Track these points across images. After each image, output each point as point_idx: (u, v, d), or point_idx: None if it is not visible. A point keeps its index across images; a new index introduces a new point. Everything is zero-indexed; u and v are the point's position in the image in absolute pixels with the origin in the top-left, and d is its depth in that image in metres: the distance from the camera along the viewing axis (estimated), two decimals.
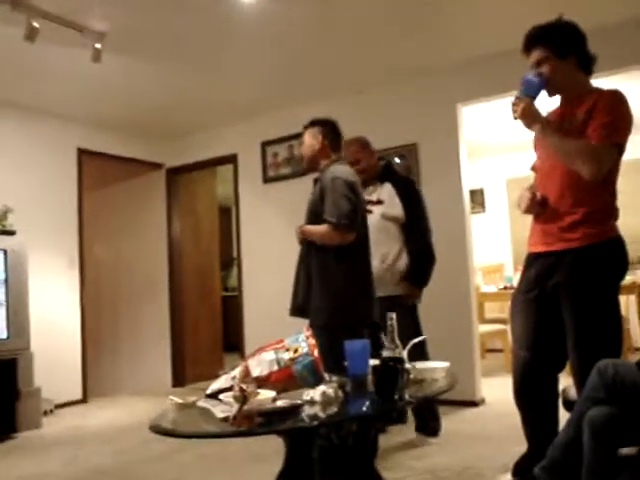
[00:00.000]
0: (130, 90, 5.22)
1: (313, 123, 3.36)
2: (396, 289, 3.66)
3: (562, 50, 2.46)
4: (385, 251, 3.65)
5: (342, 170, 3.16)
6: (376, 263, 3.50)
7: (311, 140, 3.31)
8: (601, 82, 2.63)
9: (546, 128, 2.45)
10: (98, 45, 4.05)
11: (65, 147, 5.89)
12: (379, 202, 3.68)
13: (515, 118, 2.48)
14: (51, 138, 5.79)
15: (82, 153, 6.03)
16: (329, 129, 3.31)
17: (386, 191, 3.74)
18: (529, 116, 2.44)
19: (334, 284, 3.04)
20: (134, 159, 6.57)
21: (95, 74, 4.66)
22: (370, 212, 3.54)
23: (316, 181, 3.39)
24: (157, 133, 6.55)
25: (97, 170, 6.50)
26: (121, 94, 5.31)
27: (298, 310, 3.15)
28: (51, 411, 5.26)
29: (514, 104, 2.47)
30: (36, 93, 5.21)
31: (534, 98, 2.46)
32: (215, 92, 5.37)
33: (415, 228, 3.73)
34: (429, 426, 3.70)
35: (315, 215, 3.13)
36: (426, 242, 3.75)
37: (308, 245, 3.17)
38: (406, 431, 3.80)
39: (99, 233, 6.81)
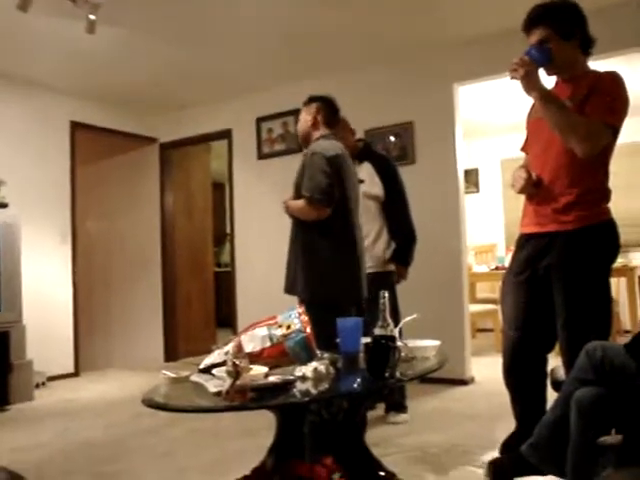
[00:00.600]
0: (124, 63, 5.17)
1: (310, 99, 3.35)
2: (377, 267, 3.70)
3: (565, 30, 2.44)
4: (366, 230, 3.66)
5: (324, 145, 3.12)
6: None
7: (305, 116, 3.31)
8: (598, 64, 2.62)
9: (547, 95, 2.41)
10: (92, 16, 3.99)
11: (58, 120, 5.85)
12: (359, 181, 3.68)
13: (513, 77, 2.41)
14: (44, 111, 5.74)
15: (75, 126, 5.99)
16: (324, 105, 3.30)
17: (366, 170, 3.76)
18: (531, 79, 2.38)
19: (317, 261, 3.04)
20: (128, 133, 6.53)
21: (89, 46, 4.61)
22: None
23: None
24: (151, 107, 6.49)
25: (90, 144, 6.45)
26: (115, 67, 5.26)
27: (289, 288, 3.17)
28: (43, 384, 5.29)
29: (516, 63, 2.37)
30: (29, 65, 5.16)
31: (537, 66, 2.41)
32: (210, 67, 5.32)
33: (395, 207, 3.78)
34: (401, 404, 3.77)
35: (298, 190, 3.14)
36: (407, 221, 3.80)
37: (295, 221, 3.19)
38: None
39: (92, 207, 6.78)
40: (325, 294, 3.00)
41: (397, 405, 3.76)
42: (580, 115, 2.36)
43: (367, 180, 3.72)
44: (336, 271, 3.05)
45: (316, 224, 3.05)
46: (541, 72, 2.48)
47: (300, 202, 3.07)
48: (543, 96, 2.39)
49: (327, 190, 2.99)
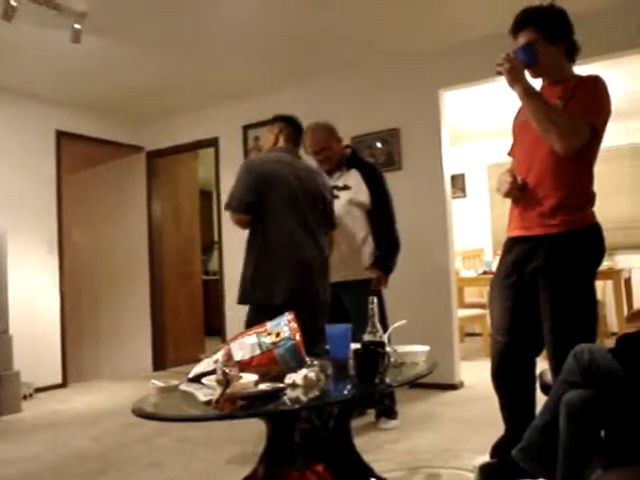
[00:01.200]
0: (110, 72, 5.15)
1: (274, 119, 3.42)
2: (363, 274, 3.71)
3: (552, 35, 2.48)
4: (352, 236, 3.71)
5: (258, 157, 3.24)
6: (343, 248, 3.65)
7: (269, 135, 3.40)
8: (587, 68, 2.65)
9: (530, 91, 2.43)
10: (77, 25, 3.99)
11: (44, 130, 5.82)
12: (345, 188, 3.71)
13: (498, 72, 2.44)
14: (29, 120, 5.71)
15: (61, 135, 5.96)
16: (287, 125, 3.36)
17: (353, 177, 3.77)
18: (515, 73, 2.41)
19: (245, 266, 3.23)
20: (114, 142, 6.51)
21: (74, 55, 4.60)
22: (336, 197, 3.60)
23: None
24: (137, 116, 6.48)
25: (76, 153, 6.43)
26: (101, 76, 5.24)
27: None
28: (31, 395, 5.24)
29: (503, 59, 2.42)
30: (14, 74, 5.13)
31: (523, 66, 2.44)
32: (196, 75, 5.32)
33: (381, 215, 3.77)
34: (391, 409, 3.77)
35: None
36: (392, 229, 3.79)
37: None
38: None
39: (79, 217, 6.75)
40: (245, 299, 3.16)
41: (387, 411, 3.76)
42: (561, 112, 2.39)
43: (354, 187, 3.73)
44: (259, 277, 3.14)
45: (250, 229, 3.22)
46: (526, 74, 2.51)
47: None
48: (526, 90, 2.43)
49: (236, 198, 3.13)
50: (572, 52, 2.55)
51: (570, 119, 2.36)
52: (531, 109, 2.43)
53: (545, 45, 2.48)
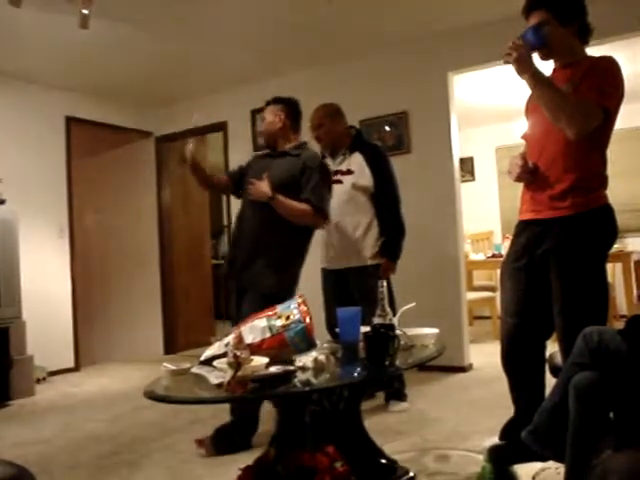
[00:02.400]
0: (119, 57, 5.15)
1: (276, 101, 3.39)
2: (368, 260, 3.68)
3: (564, 16, 2.45)
4: (356, 221, 3.68)
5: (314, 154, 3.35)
6: (348, 234, 3.65)
7: (272, 117, 3.34)
8: (595, 50, 2.63)
9: (539, 77, 2.41)
10: (86, 11, 3.98)
11: (53, 115, 5.84)
12: (349, 172, 3.67)
13: (506, 62, 2.41)
14: (39, 106, 5.72)
15: (70, 121, 5.97)
16: (292, 109, 3.35)
17: (356, 161, 3.73)
18: (524, 62, 2.37)
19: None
20: (123, 127, 6.52)
21: (83, 41, 4.59)
22: (340, 182, 3.59)
23: (273, 156, 3.36)
24: (146, 101, 6.48)
25: (86, 138, 6.44)
26: (110, 61, 5.24)
27: None
28: (44, 379, 5.31)
29: (510, 47, 2.38)
30: (22, 61, 5.13)
31: (532, 48, 2.41)
32: (204, 59, 5.31)
33: (384, 198, 3.71)
34: (400, 392, 3.79)
35: (285, 187, 3.15)
36: (396, 213, 3.72)
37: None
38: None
39: (89, 202, 6.77)
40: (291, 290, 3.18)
41: (397, 393, 3.78)
42: (571, 95, 2.37)
43: (357, 171, 3.69)
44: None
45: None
46: (536, 58, 2.49)
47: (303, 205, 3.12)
48: (535, 77, 2.40)
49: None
50: (585, 34, 2.52)
51: (581, 102, 2.33)
52: (541, 97, 2.40)
53: (556, 27, 2.45)
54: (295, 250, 3.22)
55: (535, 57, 2.47)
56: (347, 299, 3.53)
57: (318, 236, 3.63)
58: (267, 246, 3.14)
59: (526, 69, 2.39)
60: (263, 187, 3.09)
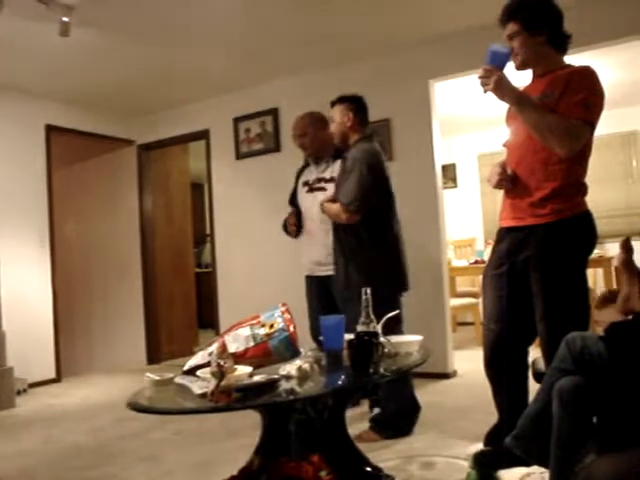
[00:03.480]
0: (99, 65, 5.12)
1: (342, 100, 3.47)
2: None
3: (533, 26, 2.48)
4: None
5: (366, 148, 3.37)
6: (331, 241, 3.58)
7: (341, 117, 3.42)
8: (574, 59, 2.66)
9: (521, 100, 2.44)
10: (66, 18, 3.96)
11: (33, 124, 5.78)
12: (332, 180, 3.66)
13: (486, 91, 2.44)
14: (19, 115, 5.67)
15: (51, 130, 5.93)
16: (358, 106, 3.46)
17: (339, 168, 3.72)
18: (503, 87, 2.40)
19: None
20: (104, 136, 6.48)
21: (63, 49, 4.57)
22: (324, 190, 3.60)
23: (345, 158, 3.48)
24: (128, 109, 6.45)
25: (67, 147, 6.40)
26: (90, 69, 5.21)
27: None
28: (24, 390, 5.24)
29: (483, 77, 2.42)
30: (2, 69, 5.08)
31: (501, 69, 2.42)
32: (186, 67, 5.30)
33: None
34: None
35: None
36: None
37: None
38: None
39: (70, 211, 6.73)
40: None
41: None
42: (556, 115, 2.39)
43: None
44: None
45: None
46: (512, 67, 2.51)
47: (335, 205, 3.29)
48: (517, 102, 2.44)
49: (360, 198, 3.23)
50: (559, 42, 2.54)
51: (567, 121, 2.35)
52: (526, 118, 2.43)
53: (526, 37, 2.49)
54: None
55: (511, 66, 2.50)
56: (332, 306, 3.54)
57: (298, 243, 3.65)
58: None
59: (506, 94, 2.42)
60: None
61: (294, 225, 3.71)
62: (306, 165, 3.81)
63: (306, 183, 3.71)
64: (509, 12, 2.53)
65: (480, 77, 2.43)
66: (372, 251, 3.28)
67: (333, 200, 3.34)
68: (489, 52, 2.43)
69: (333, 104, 3.50)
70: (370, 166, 3.27)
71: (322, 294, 3.68)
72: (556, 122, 2.37)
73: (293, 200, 3.81)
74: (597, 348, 1.96)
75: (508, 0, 2.55)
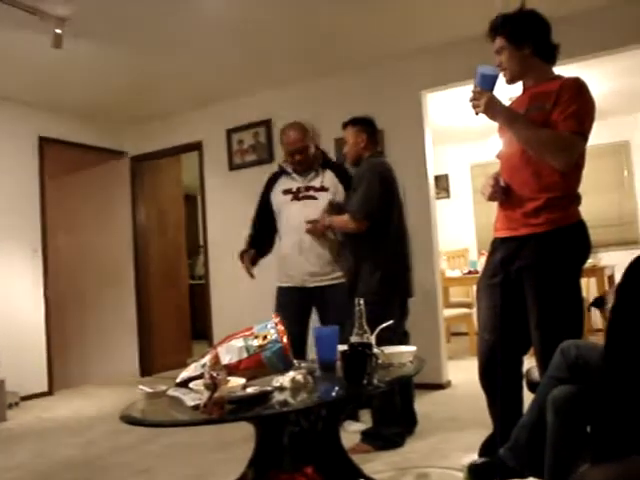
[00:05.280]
0: (92, 77, 5.13)
1: (355, 122, 3.59)
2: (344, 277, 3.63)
3: (518, 39, 2.50)
4: (331, 239, 3.62)
5: (375, 162, 3.50)
6: (325, 251, 3.60)
7: (355, 139, 3.54)
8: (564, 69, 2.67)
9: (513, 119, 2.46)
10: (58, 30, 3.96)
11: (26, 135, 5.77)
12: (323, 189, 3.66)
13: (477, 113, 2.47)
14: (11, 126, 5.66)
15: (43, 141, 5.92)
16: (372, 128, 3.59)
17: (329, 178, 3.70)
18: (494, 108, 2.43)
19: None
20: (97, 147, 6.48)
21: (56, 60, 4.57)
22: (315, 198, 3.60)
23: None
24: (120, 120, 6.46)
25: (59, 158, 6.38)
26: (83, 81, 5.21)
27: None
28: (16, 404, 5.19)
29: (474, 99, 2.45)
30: None
31: (491, 90, 2.45)
32: (179, 78, 5.31)
33: None
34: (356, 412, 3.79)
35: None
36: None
37: None
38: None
39: (63, 222, 6.70)
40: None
41: (353, 414, 3.75)
42: (549, 129, 2.40)
43: (332, 188, 3.66)
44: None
45: None
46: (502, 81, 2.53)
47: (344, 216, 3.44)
48: (509, 121, 2.46)
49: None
50: (546, 53, 2.55)
51: (560, 136, 2.37)
52: (519, 136, 2.45)
53: (512, 50, 2.52)
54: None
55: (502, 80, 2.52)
56: (306, 319, 3.61)
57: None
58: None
59: (497, 114, 2.45)
60: (319, 226, 3.51)
61: (248, 268, 3.74)
62: (280, 172, 3.78)
63: (288, 191, 3.67)
64: (494, 28, 2.57)
65: (471, 100, 2.46)
66: (381, 259, 3.35)
67: (337, 212, 3.50)
68: (478, 74, 2.45)
69: (345, 125, 3.61)
70: (378, 178, 3.36)
71: (304, 306, 3.64)
72: (549, 138, 2.39)
73: (263, 212, 3.79)
74: (592, 356, 1.96)
75: (495, 16, 2.57)
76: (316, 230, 3.51)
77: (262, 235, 3.82)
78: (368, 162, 3.47)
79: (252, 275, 3.75)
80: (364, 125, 3.57)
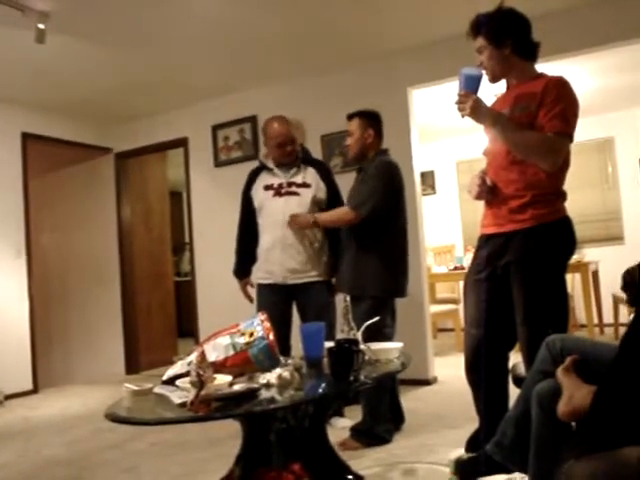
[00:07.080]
0: (76, 73, 5.08)
1: (361, 114, 3.51)
2: (326, 275, 3.64)
3: (497, 38, 2.51)
4: (313, 235, 3.61)
5: (385, 161, 3.48)
6: (306, 248, 3.58)
7: (362, 133, 3.46)
8: (549, 67, 2.68)
9: (499, 121, 2.46)
10: (41, 25, 3.92)
11: (9, 132, 5.72)
12: (305, 185, 3.63)
13: (463, 116, 2.47)
14: None
15: (27, 138, 5.86)
16: (378, 124, 3.52)
17: (310, 174, 3.69)
18: (479, 111, 2.43)
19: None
20: (82, 144, 6.42)
21: (39, 56, 4.53)
22: (297, 194, 3.59)
23: (360, 170, 3.53)
24: (105, 117, 6.41)
25: (43, 155, 6.33)
26: (67, 77, 5.17)
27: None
28: (0, 403, 5.16)
29: (459, 102, 2.44)
30: None
31: (476, 92, 2.45)
32: (164, 74, 5.28)
33: None
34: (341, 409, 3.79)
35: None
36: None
37: None
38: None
39: (47, 220, 6.65)
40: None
41: (339, 410, 3.76)
42: (535, 132, 2.41)
43: (313, 184, 3.65)
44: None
45: None
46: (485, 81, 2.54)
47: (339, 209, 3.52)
48: (494, 123, 2.47)
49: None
50: (526, 51, 2.56)
51: (546, 137, 2.39)
52: (505, 138, 2.46)
53: (492, 49, 2.52)
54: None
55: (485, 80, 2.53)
56: (288, 317, 3.61)
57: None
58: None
59: (483, 117, 2.46)
60: (301, 219, 3.47)
61: (248, 298, 3.84)
62: (261, 168, 3.75)
63: (270, 187, 3.64)
64: (473, 27, 2.57)
65: (456, 103, 2.46)
66: (377, 256, 3.33)
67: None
68: (462, 76, 2.45)
69: (351, 117, 3.54)
70: (386, 176, 3.38)
71: (285, 303, 3.63)
72: (536, 141, 2.40)
73: (248, 213, 3.76)
74: (579, 350, 1.96)
75: (474, 16, 2.57)
76: (299, 223, 3.48)
77: (250, 243, 3.75)
78: (377, 161, 3.42)
79: (251, 300, 3.79)
80: (372, 120, 3.51)
